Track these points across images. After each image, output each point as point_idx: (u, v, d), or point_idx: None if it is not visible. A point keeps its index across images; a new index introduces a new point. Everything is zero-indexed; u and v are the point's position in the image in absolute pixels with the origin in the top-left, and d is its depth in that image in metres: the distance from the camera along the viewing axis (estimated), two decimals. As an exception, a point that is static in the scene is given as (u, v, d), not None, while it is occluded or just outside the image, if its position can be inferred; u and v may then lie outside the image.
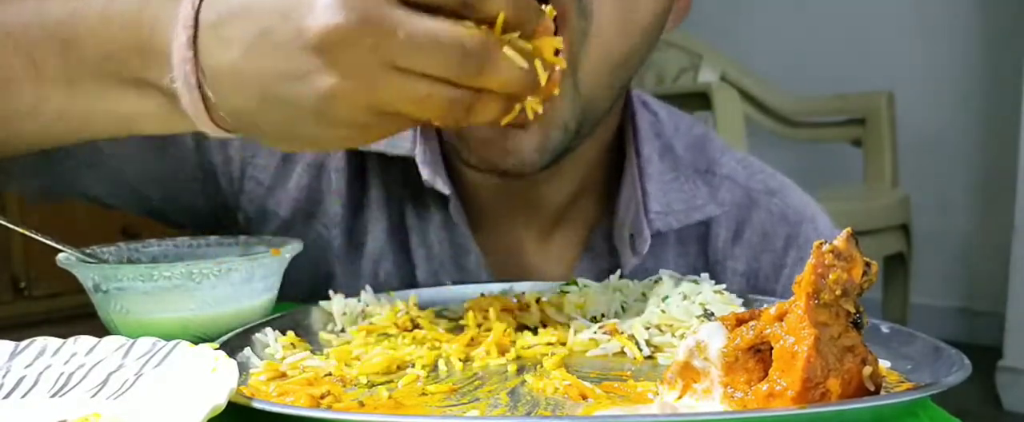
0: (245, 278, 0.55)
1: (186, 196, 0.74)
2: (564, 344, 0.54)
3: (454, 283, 0.72)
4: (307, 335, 0.56)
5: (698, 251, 0.75)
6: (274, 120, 0.46)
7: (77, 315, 0.61)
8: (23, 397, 0.42)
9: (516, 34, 0.46)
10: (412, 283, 0.74)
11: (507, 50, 0.45)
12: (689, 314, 0.54)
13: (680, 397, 0.41)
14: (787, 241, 0.75)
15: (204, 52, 0.46)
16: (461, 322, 0.58)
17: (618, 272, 0.66)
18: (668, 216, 0.72)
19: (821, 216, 0.78)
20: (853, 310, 0.39)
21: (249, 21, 0.44)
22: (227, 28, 0.45)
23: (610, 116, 0.72)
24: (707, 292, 0.58)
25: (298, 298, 0.70)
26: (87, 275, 0.54)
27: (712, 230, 0.75)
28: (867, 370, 0.39)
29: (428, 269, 0.74)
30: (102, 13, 0.50)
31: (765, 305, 0.43)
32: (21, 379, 0.43)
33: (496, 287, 0.65)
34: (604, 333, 0.54)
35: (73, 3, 0.51)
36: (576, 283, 0.63)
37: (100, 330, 0.51)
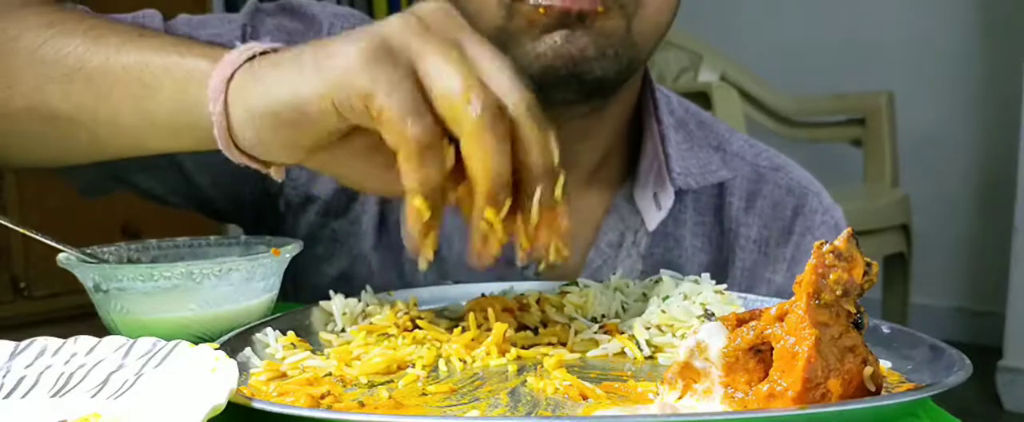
0: (245, 278, 0.55)
1: (234, 184, 0.78)
2: (564, 344, 0.54)
3: (456, 282, 0.72)
4: (307, 335, 0.56)
5: (714, 220, 0.82)
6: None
7: (77, 315, 0.61)
8: (23, 397, 0.42)
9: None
10: (444, 255, 0.77)
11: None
12: (689, 314, 0.54)
13: (680, 397, 0.41)
14: (794, 210, 0.83)
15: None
16: (462, 323, 0.57)
17: (621, 273, 0.66)
18: (687, 177, 0.79)
19: (823, 191, 0.86)
20: (854, 310, 0.39)
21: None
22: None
23: (633, 82, 0.79)
24: (707, 292, 0.58)
25: (330, 275, 0.78)
26: (87, 275, 0.54)
27: (726, 200, 0.82)
28: (868, 370, 0.39)
29: (461, 239, 0.78)
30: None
31: (766, 305, 0.43)
32: (21, 379, 0.43)
33: (497, 287, 0.65)
34: (604, 333, 0.54)
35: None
36: (576, 283, 0.63)
37: (100, 330, 0.51)
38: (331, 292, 0.60)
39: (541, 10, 0.65)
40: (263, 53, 0.53)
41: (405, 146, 0.48)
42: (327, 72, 0.49)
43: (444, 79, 0.48)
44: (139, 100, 0.57)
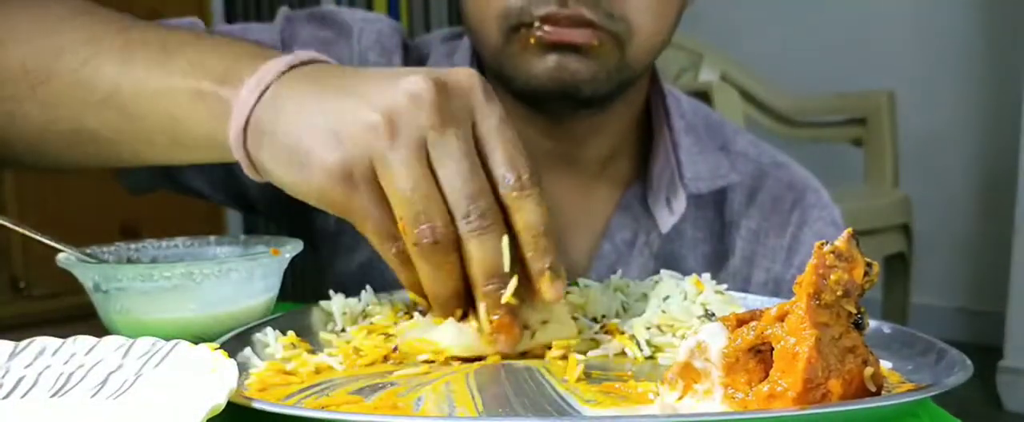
0: (245, 278, 0.55)
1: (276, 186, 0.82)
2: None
3: None
4: (307, 335, 0.56)
5: (716, 214, 0.86)
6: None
7: (77, 315, 0.61)
8: (23, 397, 0.42)
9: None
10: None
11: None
12: (690, 314, 0.54)
13: (681, 398, 0.41)
14: (793, 204, 0.87)
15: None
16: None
17: (619, 272, 0.66)
18: (698, 182, 0.83)
19: (822, 189, 0.90)
20: (854, 311, 0.39)
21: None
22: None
23: (640, 85, 0.83)
24: (708, 292, 0.58)
25: (358, 261, 0.82)
26: (87, 275, 0.54)
27: (728, 197, 0.86)
28: (868, 371, 0.39)
29: None
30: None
31: (766, 306, 0.43)
32: (21, 379, 0.43)
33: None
34: (604, 333, 0.54)
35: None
36: (577, 283, 0.63)
37: (100, 330, 0.51)
38: (331, 292, 0.60)
39: (532, 40, 0.69)
40: (284, 73, 0.54)
41: (392, 263, 0.51)
42: (310, 171, 0.50)
43: (402, 191, 0.49)
44: (170, 129, 0.58)
